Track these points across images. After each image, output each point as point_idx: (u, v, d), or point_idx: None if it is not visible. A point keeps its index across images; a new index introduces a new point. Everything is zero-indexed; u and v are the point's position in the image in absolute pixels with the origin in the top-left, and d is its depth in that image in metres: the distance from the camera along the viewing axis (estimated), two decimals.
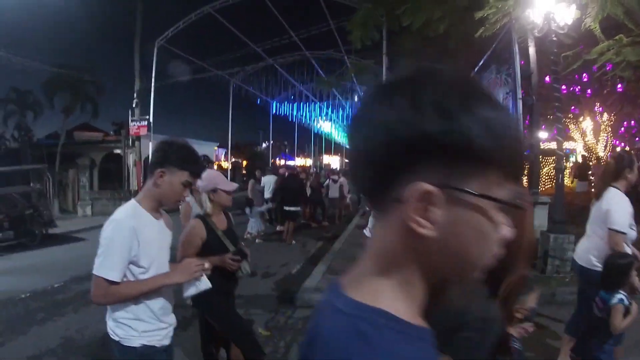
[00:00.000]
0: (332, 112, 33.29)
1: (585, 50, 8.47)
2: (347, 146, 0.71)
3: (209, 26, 21.42)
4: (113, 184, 22.61)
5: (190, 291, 2.65)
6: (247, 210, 11.93)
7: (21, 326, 5.78)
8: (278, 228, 12.85)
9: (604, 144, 20.72)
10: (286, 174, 13.58)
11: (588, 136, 21.25)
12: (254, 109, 34.86)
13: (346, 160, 55.96)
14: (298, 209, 11.91)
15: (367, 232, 6.46)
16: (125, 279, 2.29)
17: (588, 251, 3.81)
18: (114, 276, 2.21)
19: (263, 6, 19.40)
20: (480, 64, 10.71)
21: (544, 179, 16.54)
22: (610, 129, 20.35)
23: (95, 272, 2.23)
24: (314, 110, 32.47)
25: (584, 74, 13.99)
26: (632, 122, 19.90)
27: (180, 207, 5.98)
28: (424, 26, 9.94)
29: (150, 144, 20.75)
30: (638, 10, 7.27)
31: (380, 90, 0.67)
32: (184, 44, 22.56)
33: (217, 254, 3.32)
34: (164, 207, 2.54)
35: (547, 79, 9.89)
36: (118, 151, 23.17)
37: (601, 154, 20.75)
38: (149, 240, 2.34)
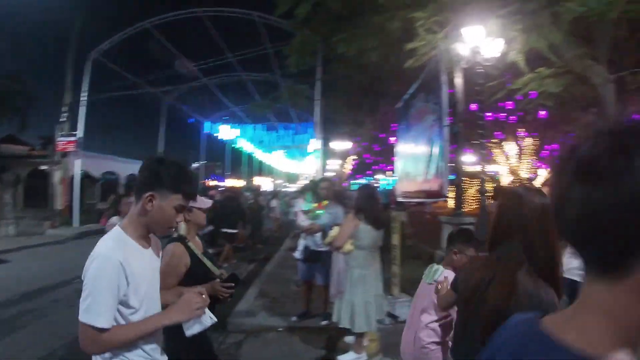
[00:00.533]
0: (265, 134, 33.44)
1: (510, 80, 9.22)
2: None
3: (146, 42, 21.20)
4: (38, 202, 21.28)
5: (195, 329, 2.26)
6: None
7: None
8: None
9: (527, 166, 22.37)
10: (219, 196, 13.36)
11: (512, 159, 22.77)
12: (184, 127, 34.34)
13: (279, 181, 56.06)
14: (236, 231, 11.47)
15: (297, 254, 6.64)
16: (113, 324, 1.98)
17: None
18: (103, 322, 1.91)
19: (201, 26, 19.56)
20: (410, 92, 11.26)
21: (469, 200, 17.40)
22: (533, 153, 22.00)
23: (81, 318, 1.94)
24: (248, 132, 32.52)
25: (508, 102, 14.99)
26: (554, 145, 21.55)
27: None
28: (358, 54, 10.36)
29: (78, 161, 20.15)
30: (560, 45, 7.99)
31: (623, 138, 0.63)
32: (120, 59, 22.15)
33: (202, 281, 2.90)
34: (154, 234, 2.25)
35: (472, 106, 10.59)
36: (45, 167, 22.00)
37: (524, 175, 22.33)
38: (138, 274, 2.03)
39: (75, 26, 21.07)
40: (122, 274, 1.97)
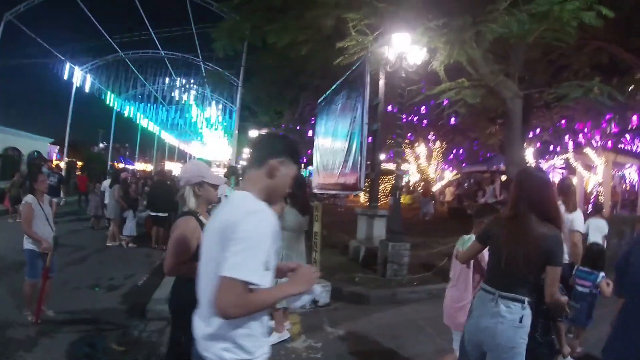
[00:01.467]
0: (179, 117, 32.65)
1: (428, 87, 9.89)
2: None
3: (65, 8, 19.98)
4: None
5: (305, 299, 2.16)
6: (127, 214, 11.57)
7: None
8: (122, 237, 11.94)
9: (435, 167, 24.09)
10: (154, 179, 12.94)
11: (421, 160, 24.35)
12: (95, 105, 32.06)
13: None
14: (166, 214, 11.13)
15: None
16: None
17: None
18: (257, 279, 1.75)
19: None
20: (333, 88, 11.66)
21: (381, 195, 18.31)
22: (441, 155, 23.69)
23: (230, 274, 1.71)
24: (160, 113, 31.57)
25: (423, 106, 15.88)
26: (461, 150, 23.29)
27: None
28: (287, 47, 10.57)
29: None
30: (479, 59, 8.70)
31: None
32: (34, 25, 20.62)
33: None
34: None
35: (389, 108, 11.18)
36: None
37: (432, 175, 24.11)
38: None
39: None
40: (277, 232, 1.93)
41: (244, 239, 1.75)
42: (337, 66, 9.54)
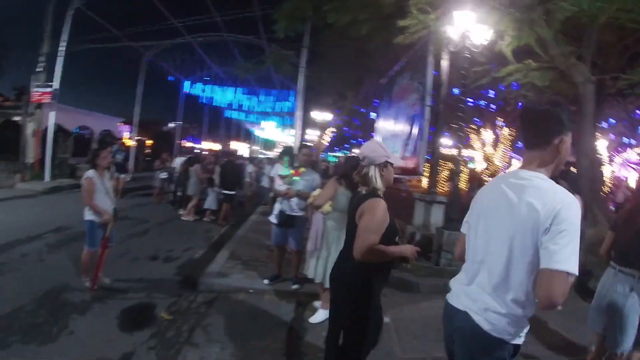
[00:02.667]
0: (245, 98, 32.97)
1: (495, 69, 9.37)
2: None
3: None
4: (9, 154, 20.64)
5: None
6: (208, 190, 12.59)
7: None
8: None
9: (502, 154, 22.88)
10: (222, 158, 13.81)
11: (487, 146, 23.23)
12: (163, 86, 33.43)
13: (255, 148, 55.72)
14: (234, 192, 12.12)
15: (272, 218, 6.71)
16: None
17: None
18: (576, 270, 1.79)
19: None
20: (395, 69, 11.30)
21: (442, 181, 17.77)
22: (509, 143, 22.47)
23: (565, 267, 1.76)
24: (228, 94, 32.03)
25: (490, 90, 15.18)
26: None
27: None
28: (348, 26, 10.33)
29: (52, 114, 19.49)
30: (549, 40, 8.13)
31: None
32: (102, 10, 21.33)
33: (389, 239, 2.90)
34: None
35: (455, 90, 10.71)
36: (18, 118, 21.27)
37: (498, 163, 22.91)
38: None
39: None
40: None
41: (570, 232, 1.79)
42: (399, 46, 9.20)
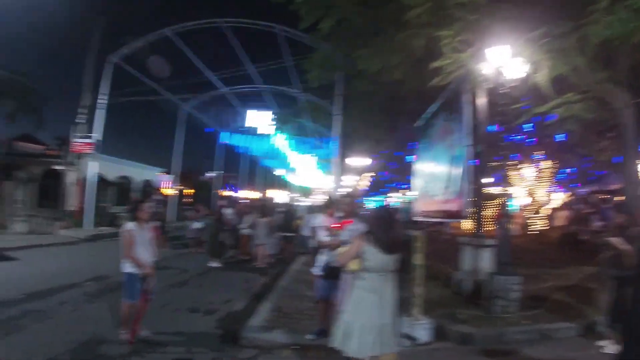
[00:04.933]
0: (282, 147, 33.35)
1: (532, 102, 9.08)
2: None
3: (167, 49, 21.34)
4: (51, 202, 21.48)
5: None
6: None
7: None
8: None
9: (544, 189, 22.02)
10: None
11: (528, 181, 22.40)
12: (202, 136, 34.86)
13: (293, 195, 55.82)
14: (294, 234, 14.20)
15: (316, 270, 6.48)
16: None
17: None
18: None
19: (222, 36, 19.64)
20: (431, 111, 11.13)
21: (486, 222, 17.20)
22: (550, 176, 21.67)
23: None
24: (264, 143, 32.43)
25: (528, 123, 14.77)
26: (571, 169, 21.29)
27: None
28: (380, 72, 10.28)
29: (94, 164, 20.34)
30: (584, 68, 7.87)
31: None
32: (139, 64, 22.22)
33: None
34: None
35: (492, 127, 10.44)
36: (59, 167, 22.11)
37: (542, 199, 22.06)
38: None
39: (96, 29, 21.37)
40: None
41: None
42: (432, 88, 9.05)
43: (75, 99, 21.18)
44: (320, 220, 7.09)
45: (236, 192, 48.54)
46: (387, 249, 4.35)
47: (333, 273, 6.03)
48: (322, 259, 6.28)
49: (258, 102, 27.69)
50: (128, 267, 5.86)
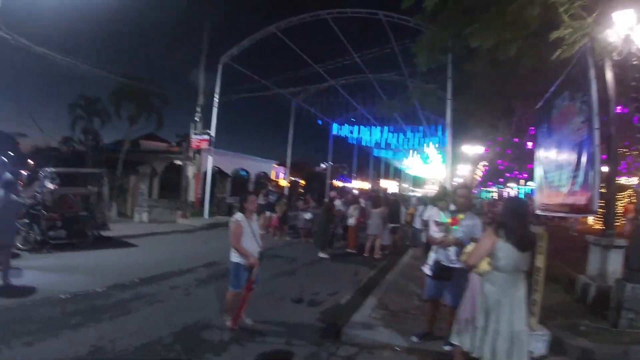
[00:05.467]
0: (392, 136, 32.60)
1: None
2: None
3: (274, 45, 21.76)
4: (172, 193, 23.35)
5: None
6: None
7: (54, 328, 5.61)
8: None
9: None
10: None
11: None
12: (313, 128, 35.42)
13: (405, 185, 54.79)
14: (399, 225, 14.25)
15: (426, 269, 5.89)
16: None
17: None
18: None
19: (326, 27, 19.52)
20: (552, 90, 9.91)
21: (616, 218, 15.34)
22: None
23: None
24: (375, 133, 31.96)
25: None
26: None
27: None
28: (494, 49, 9.36)
29: (210, 158, 21.57)
30: None
31: None
32: (249, 62, 22.97)
33: None
34: None
35: (619, 108, 9.05)
36: (179, 162, 23.85)
37: None
38: None
39: (206, 33, 22.57)
40: None
41: None
42: (552, 64, 7.99)
43: (194, 99, 22.55)
44: (432, 213, 6.47)
45: (348, 182, 48.73)
46: (522, 245, 3.85)
47: (443, 273, 5.45)
48: (432, 256, 5.67)
49: (366, 91, 27.31)
50: (234, 257, 5.95)
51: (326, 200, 16.39)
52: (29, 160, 25.08)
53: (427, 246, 6.11)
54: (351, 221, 13.85)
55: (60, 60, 16.21)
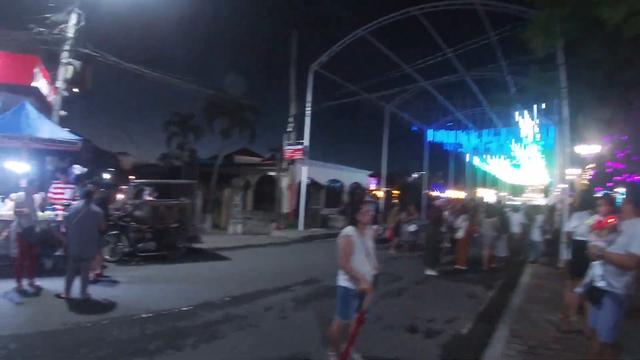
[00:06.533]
0: (490, 141, 30.39)
1: None
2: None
3: (363, 50, 21.04)
4: (266, 205, 23.24)
5: None
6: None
7: (126, 355, 4.98)
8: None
9: None
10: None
11: None
12: (407, 136, 34.38)
13: (503, 194, 51.51)
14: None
15: (579, 289, 4.71)
16: None
17: None
18: None
19: (416, 26, 18.61)
20: None
21: None
22: None
23: None
24: (472, 138, 29.95)
25: None
26: None
27: None
28: (622, 22, 8.00)
29: (304, 169, 21.41)
30: None
31: None
32: (339, 69, 22.54)
33: None
34: None
35: None
36: (273, 174, 23.84)
37: None
38: None
39: (294, 42, 22.53)
40: None
41: None
42: None
43: (284, 111, 22.55)
44: (586, 220, 5.24)
45: (442, 192, 46.75)
46: None
47: (592, 295, 4.24)
48: (592, 273, 4.44)
49: (461, 93, 25.82)
50: (343, 280, 4.78)
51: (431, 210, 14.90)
52: (130, 176, 26.20)
53: (582, 262, 4.89)
54: (460, 233, 12.45)
55: (150, 76, 16.26)
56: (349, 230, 4.79)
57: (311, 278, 9.57)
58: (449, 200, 23.98)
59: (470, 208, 14.31)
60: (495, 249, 12.49)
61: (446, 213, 13.39)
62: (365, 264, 4.73)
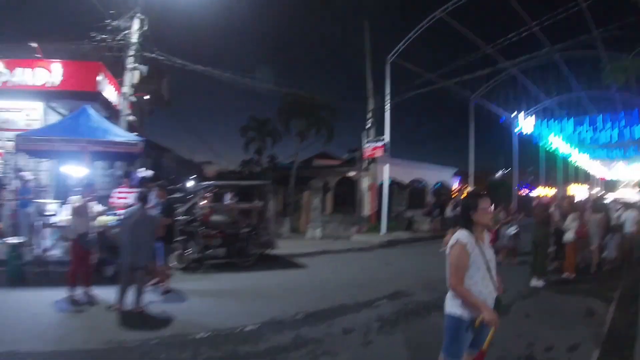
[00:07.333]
0: (587, 130, 27.20)
1: None
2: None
3: (441, 33, 19.40)
4: (346, 208, 22.43)
5: None
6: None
7: None
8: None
9: None
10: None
11: None
12: (492, 130, 31.66)
13: (597, 189, 46.85)
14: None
15: None
16: None
17: None
18: None
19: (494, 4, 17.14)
20: None
21: None
22: None
23: None
24: (566, 128, 26.94)
25: None
26: None
27: None
28: None
29: (386, 167, 20.07)
30: None
31: None
32: (417, 57, 21.14)
33: None
34: None
35: None
36: (352, 174, 22.97)
37: None
38: None
39: (367, 34, 21.25)
40: None
41: None
42: None
43: (362, 109, 21.21)
44: None
45: (531, 190, 43.45)
46: None
47: None
48: None
49: (551, 79, 23.55)
50: (454, 306, 3.33)
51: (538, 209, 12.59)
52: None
53: None
54: (569, 235, 10.33)
55: (222, 77, 15.63)
56: (464, 236, 3.31)
57: (398, 291, 8.27)
58: (554, 197, 21.58)
59: (580, 206, 12.18)
60: (603, 250, 11.26)
61: (554, 211, 11.34)
62: (486, 284, 3.29)
